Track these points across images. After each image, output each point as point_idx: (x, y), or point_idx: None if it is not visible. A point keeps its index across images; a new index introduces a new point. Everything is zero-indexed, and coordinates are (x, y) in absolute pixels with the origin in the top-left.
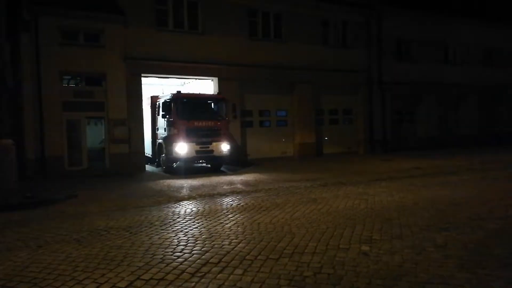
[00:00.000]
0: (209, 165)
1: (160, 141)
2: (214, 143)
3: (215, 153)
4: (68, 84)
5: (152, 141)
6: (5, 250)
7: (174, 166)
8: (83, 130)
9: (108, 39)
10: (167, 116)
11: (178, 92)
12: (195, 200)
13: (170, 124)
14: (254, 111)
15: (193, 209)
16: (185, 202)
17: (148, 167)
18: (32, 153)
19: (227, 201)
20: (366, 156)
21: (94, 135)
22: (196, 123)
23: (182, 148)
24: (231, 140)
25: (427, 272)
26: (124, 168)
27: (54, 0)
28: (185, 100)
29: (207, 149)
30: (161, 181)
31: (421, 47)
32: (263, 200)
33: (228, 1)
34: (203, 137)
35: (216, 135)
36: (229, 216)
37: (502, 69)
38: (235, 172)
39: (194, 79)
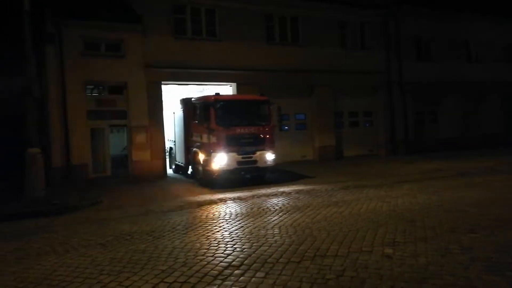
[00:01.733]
0: (248, 176)
1: (195, 149)
2: (258, 153)
3: (259, 164)
4: (91, 93)
5: (185, 148)
6: (34, 255)
7: (214, 177)
8: (106, 138)
9: (128, 48)
10: (204, 122)
11: (217, 94)
12: (216, 205)
13: (207, 131)
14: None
15: (215, 213)
16: (207, 206)
17: (177, 176)
18: (58, 161)
19: (247, 205)
20: (387, 158)
21: (117, 142)
22: (238, 130)
23: (221, 159)
24: (275, 148)
25: (453, 275)
26: (146, 174)
27: (76, 12)
28: (224, 103)
29: (250, 159)
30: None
31: (441, 46)
32: (284, 203)
33: (244, 7)
34: (246, 146)
35: (261, 143)
36: (250, 219)
37: None
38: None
39: (213, 85)
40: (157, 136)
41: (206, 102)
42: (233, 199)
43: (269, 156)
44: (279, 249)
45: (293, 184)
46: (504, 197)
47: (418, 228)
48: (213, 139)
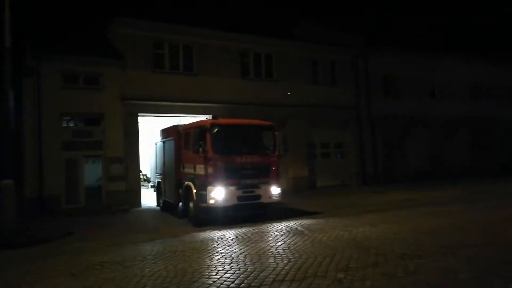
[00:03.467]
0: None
1: (187, 183)
2: (261, 186)
3: (263, 199)
4: (67, 124)
5: (175, 183)
6: (5, 287)
7: (210, 215)
8: (81, 169)
9: (107, 82)
10: (200, 150)
11: (214, 117)
12: (178, 237)
13: (203, 160)
14: None
15: (178, 244)
16: (177, 237)
17: (164, 213)
18: (31, 192)
19: (216, 236)
20: (359, 188)
21: (91, 173)
22: (238, 159)
23: (218, 194)
24: (281, 180)
25: None
26: (120, 205)
27: (56, 47)
28: (223, 128)
29: (253, 193)
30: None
31: (408, 83)
32: (252, 233)
33: (220, 44)
34: (248, 178)
35: (264, 175)
36: (219, 249)
37: (491, 102)
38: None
39: (189, 117)
40: (133, 167)
41: (201, 128)
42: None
43: (275, 190)
44: (241, 276)
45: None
46: (458, 225)
47: (371, 255)
48: (210, 170)
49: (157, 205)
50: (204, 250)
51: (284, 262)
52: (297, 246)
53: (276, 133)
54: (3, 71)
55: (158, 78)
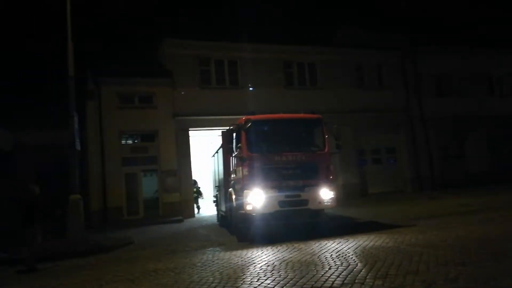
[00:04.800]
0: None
1: (230, 189)
2: (309, 189)
3: (310, 205)
4: (126, 141)
5: (225, 192)
6: None
7: (247, 225)
8: (139, 182)
9: (159, 100)
10: (236, 150)
11: (252, 113)
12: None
13: (238, 163)
14: None
15: (225, 253)
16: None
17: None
18: (96, 204)
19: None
20: (413, 194)
21: (148, 186)
22: (278, 158)
23: (256, 198)
24: (333, 182)
25: None
26: (175, 215)
27: (114, 71)
28: (259, 124)
29: (298, 198)
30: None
31: (463, 81)
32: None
33: (264, 56)
34: (292, 180)
35: (312, 176)
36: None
37: None
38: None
39: None
40: (186, 179)
41: (237, 126)
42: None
43: (326, 194)
44: (281, 282)
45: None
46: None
47: (413, 262)
48: (245, 172)
49: (217, 220)
50: (248, 257)
51: (325, 269)
52: (339, 254)
53: (325, 127)
54: (68, 97)
55: (205, 94)
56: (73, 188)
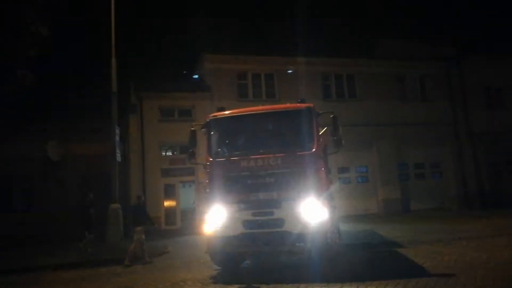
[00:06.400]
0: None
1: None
2: (286, 204)
3: (288, 227)
4: (165, 153)
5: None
6: None
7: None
8: (177, 193)
9: (198, 113)
10: (191, 156)
11: (220, 108)
12: None
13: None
14: (332, 168)
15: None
16: None
17: None
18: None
19: None
20: (459, 212)
21: (186, 197)
22: (245, 164)
23: (214, 218)
24: (327, 194)
25: None
26: None
27: (155, 86)
28: (225, 123)
29: (270, 218)
30: None
31: None
32: None
33: (301, 69)
34: (261, 192)
35: (292, 186)
36: None
37: None
38: None
39: None
40: None
41: (200, 125)
42: None
43: (311, 211)
44: None
45: None
46: None
47: (448, 286)
48: (207, 181)
49: None
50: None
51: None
52: (370, 273)
53: (315, 119)
54: (111, 111)
55: (243, 107)
56: (113, 197)
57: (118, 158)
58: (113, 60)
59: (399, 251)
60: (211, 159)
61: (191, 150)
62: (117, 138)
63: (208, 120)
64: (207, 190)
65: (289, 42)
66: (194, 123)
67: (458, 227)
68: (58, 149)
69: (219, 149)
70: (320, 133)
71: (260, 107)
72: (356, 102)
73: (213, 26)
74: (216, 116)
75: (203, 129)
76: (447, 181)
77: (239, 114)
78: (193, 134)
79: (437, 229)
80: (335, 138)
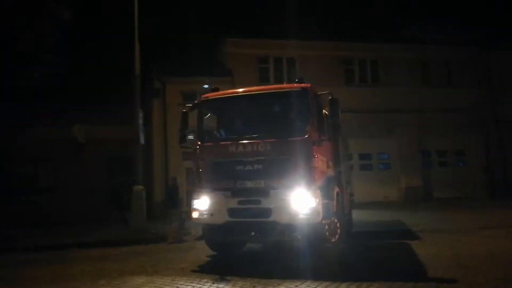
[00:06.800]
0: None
1: None
2: (274, 193)
3: (276, 217)
4: (187, 137)
5: None
6: (128, 274)
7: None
8: None
9: None
10: (181, 140)
11: (214, 89)
12: None
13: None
14: (354, 154)
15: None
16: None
17: None
18: (159, 196)
19: None
20: (484, 201)
21: None
22: (232, 149)
23: (199, 205)
24: (322, 185)
25: None
26: None
27: (177, 70)
28: (215, 104)
29: (257, 206)
30: None
31: None
32: None
33: (323, 54)
34: (248, 179)
35: (282, 175)
36: None
37: None
38: None
39: None
40: None
41: (190, 107)
42: None
43: (301, 202)
44: None
45: None
46: None
47: (468, 274)
48: (194, 168)
49: None
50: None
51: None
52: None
53: (311, 101)
54: (134, 96)
55: None
56: (136, 179)
57: (142, 141)
58: (136, 44)
59: (412, 243)
60: (199, 143)
61: (183, 134)
62: (141, 121)
63: (197, 101)
64: (196, 176)
65: (311, 25)
66: (186, 105)
67: (480, 216)
68: (83, 132)
69: (209, 133)
70: (319, 117)
71: (254, 88)
72: (379, 88)
73: (235, 10)
74: (207, 97)
75: (194, 111)
76: (471, 169)
77: (231, 95)
78: (185, 116)
79: (458, 218)
80: (333, 121)
